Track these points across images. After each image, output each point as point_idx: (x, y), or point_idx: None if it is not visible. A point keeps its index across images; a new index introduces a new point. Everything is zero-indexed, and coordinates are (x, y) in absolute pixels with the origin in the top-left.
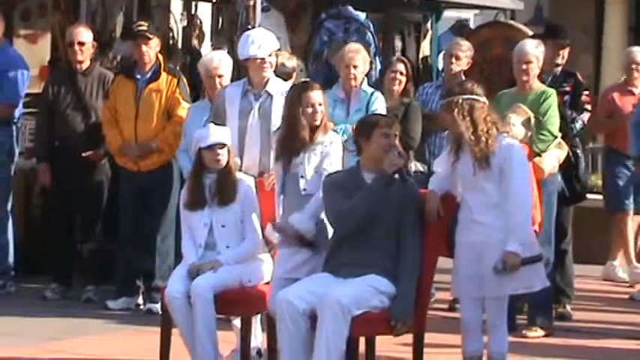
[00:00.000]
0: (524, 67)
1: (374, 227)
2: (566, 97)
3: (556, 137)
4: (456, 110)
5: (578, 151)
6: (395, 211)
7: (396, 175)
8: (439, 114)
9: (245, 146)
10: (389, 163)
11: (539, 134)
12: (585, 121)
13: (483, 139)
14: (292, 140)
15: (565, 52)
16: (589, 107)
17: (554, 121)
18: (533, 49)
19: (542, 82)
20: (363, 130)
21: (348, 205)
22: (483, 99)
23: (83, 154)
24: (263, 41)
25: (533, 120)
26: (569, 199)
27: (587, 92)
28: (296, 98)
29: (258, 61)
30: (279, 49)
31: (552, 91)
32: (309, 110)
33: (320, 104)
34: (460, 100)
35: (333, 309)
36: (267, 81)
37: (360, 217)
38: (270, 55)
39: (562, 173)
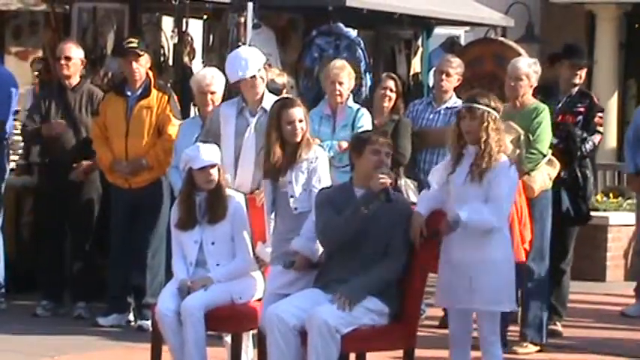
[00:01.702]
0: (512, 83)
1: (363, 243)
2: (579, 118)
3: (545, 155)
4: (491, 123)
5: (588, 172)
6: (385, 228)
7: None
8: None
9: (239, 163)
10: (375, 181)
11: (527, 153)
12: (596, 143)
13: (492, 154)
14: (272, 158)
15: (582, 73)
16: (601, 129)
17: (543, 139)
18: (525, 67)
19: (558, 102)
20: (355, 146)
21: (335, 222)
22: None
23: (74, 165)
24: (249, 59)
25: (523, 138)
26: (575, 219)
27: (601, 114)
28: (276, 115)
29: (249, 80)
30: (268, 63)
31: (544, 107)
32: (289, 128)
33: (300, 121)
34: (495, 116)
35: (320, 329)
36: (262, 97)
37: (345, 234)
38: (259, 71)
39: (568, 194)
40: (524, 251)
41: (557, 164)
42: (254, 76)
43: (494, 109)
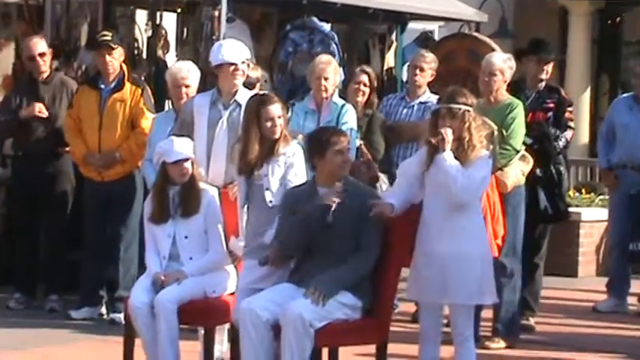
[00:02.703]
0: (486, 79)
1: (333, 239)
2: (550, 114)
3: (518, 151)
4: (472, 122)
5: (562, 169)
6: (353, 222)
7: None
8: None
9: (212, 156)
10: (327, 197)
11: (501, 148)
12: (569, 139)
13: (474, 151)
14: (249, 155)
15: (549, 67)
16: (572, 124)
17: (517, 135)
18: (500, 62)
19: (527, 98)
20: (315, 149)
21: (288, 229)
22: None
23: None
24: (236, 49)
25: (496, 134)
26: (552, 217)
27: (570, 109)
28: (254, 112)
29: (231, 68)
30: (251, 62)
31: (518, 103)
32: (269, 124)
33: (279, 117)
34: (475, 115)
35: (294, 323)
36: (237, 91)
37: (295, 241)
38: (242, 63)
39: (545, 192)
40: (496, 247)
41: (531, 160)
42: (236, 65)
43: (471, 106)
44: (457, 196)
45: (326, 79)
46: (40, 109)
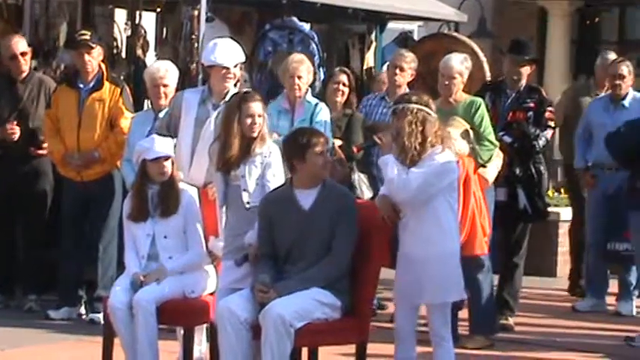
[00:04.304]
0: (446, 82)
1: (308, 241)
2: (530, 114)
3: (496, 146)
4: (409, 117)
5: (542, 168)
6: (326, 223)
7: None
8: (391, 120)
9: (195, 154)
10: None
11: (481, 145)
12: (549, 138)
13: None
14: (229, 151)
15: (524, 69)
16: (552, 124)
17: (491, 130)
18: (458, 65)
19: (507, 97)
20: (294, 151)
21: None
22: (435, 114)
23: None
24: (230, 51)
25: (471, 132)
26: (532, 216)
27: (550, 108)
28: (235, 108)
29: (223, 70)
30: (243, 63)
31: (480, 101)
32: (248, 121)
33: (259, 116)
34: (415, 110)
35: (275, 323)
36: (227, 92)
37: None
38: (235, 67)
39: (524, 191)
40: (485, 244)
41: (501, 155)
42: (228, 69)
43: (425, 105)
44: (397, 197)
45: (299, 77)
46: (12, 129)
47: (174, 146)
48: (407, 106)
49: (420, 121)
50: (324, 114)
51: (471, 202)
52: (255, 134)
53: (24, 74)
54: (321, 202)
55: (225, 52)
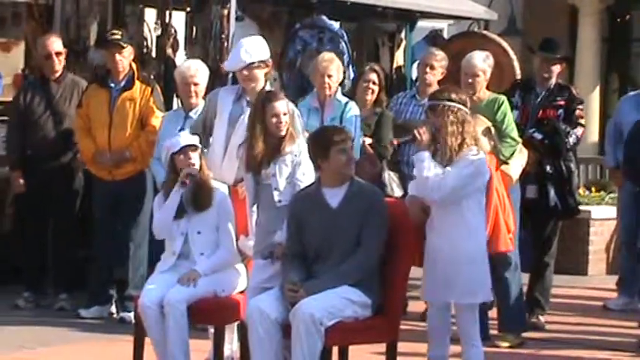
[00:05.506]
0: (470, 80)
1: (336, 238)
2: (560, 111)
3: (518, 143)
4: (451, 117)
5: (572, 166)
6: (354, 220)
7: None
8: (425, 116)
9: (227, 150)
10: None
11: (503, 142)
12: (579, 136)
13: (454, 147)
14: (256, 149)
15: (555, 67)
16: (583, 122)
17: (513, 127)
18: (481, 62)
19: (537, 95)
20: (318, 151)
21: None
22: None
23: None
24: (252, 50)
25: (493, 129)
26: (562, 213)
27: (581, 106)
28: (260, 108)
29: (244, 72)
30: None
31: (503, 98)
32: (274, 120)
33: (285, 114)
34: (457, 109)
35: (305, 322)
36: (262, 89)
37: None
38: (254, 63)
39: (555, 188)
40: (509, 241)
41: (525, 152)
42: (250, 66)
43: (455, 101)
44: (430, 196)
45: (329, 76)
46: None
47: (209, 145)
48: (448, 104)
49: (460, 122)
50: (354, 112)
51: (494, 198)
52: (282, 133)
53: (57, 74)
54: (349, 200)
55: (240, 54)
